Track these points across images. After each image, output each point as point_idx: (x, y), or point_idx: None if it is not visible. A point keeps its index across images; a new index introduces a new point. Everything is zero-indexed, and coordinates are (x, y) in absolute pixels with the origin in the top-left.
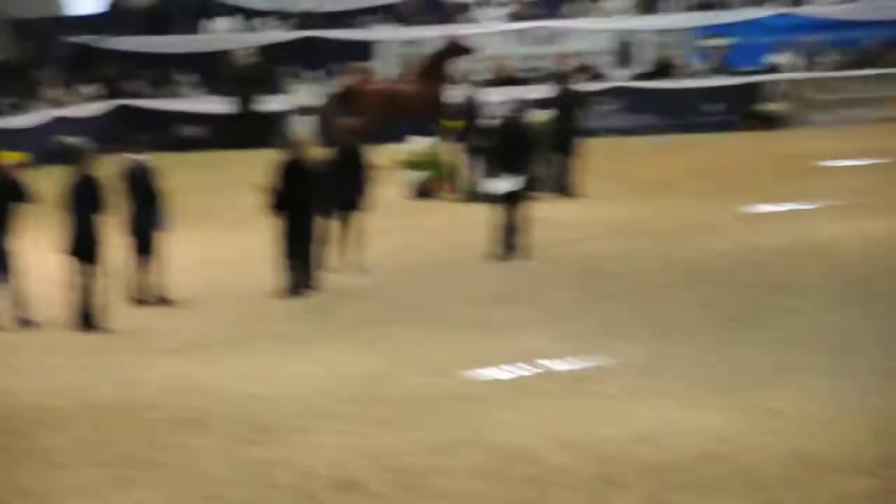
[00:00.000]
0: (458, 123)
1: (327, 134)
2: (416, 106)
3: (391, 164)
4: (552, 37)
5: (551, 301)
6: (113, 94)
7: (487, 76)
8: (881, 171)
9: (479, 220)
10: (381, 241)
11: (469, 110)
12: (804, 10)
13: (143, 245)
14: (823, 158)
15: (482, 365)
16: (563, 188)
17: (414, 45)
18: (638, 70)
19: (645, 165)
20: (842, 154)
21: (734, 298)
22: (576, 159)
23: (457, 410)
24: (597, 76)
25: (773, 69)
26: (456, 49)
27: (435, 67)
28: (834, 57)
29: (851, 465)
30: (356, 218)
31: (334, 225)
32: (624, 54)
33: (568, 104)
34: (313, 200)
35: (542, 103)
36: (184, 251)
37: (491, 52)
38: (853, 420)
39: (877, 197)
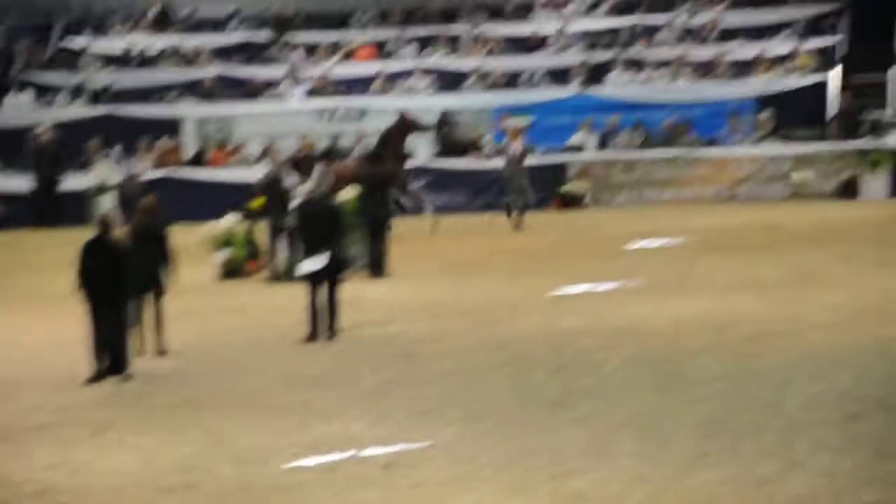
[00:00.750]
0: (261, 202)
1: (128, 211)
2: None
3: (202, 242)
4: (360, 114)
5: (366, 384)
6: None
7: (292, 155)
8: (680, 250)
9: (291, 301)
10: (192, 323)
11: (273, 189)
12: (601, 92)
13: None
14: (626, 239)
15: (299, 451)
16: (374, 267)
17: (220, 122)
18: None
19: (454, 244)
20: (643, 234)
21: (547, 381)
22: (385, 238)
23: (275, 501)
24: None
25: (574, 149)
26: (408, 126)
27: (388, 145)
28: (632, 138)
29: None
30: (158, 298)
31: (139, 306)
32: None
33: (374, 183)
34: (121, 281)
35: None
36: None
37: (296, 130)
38: None
39: (678, 277)
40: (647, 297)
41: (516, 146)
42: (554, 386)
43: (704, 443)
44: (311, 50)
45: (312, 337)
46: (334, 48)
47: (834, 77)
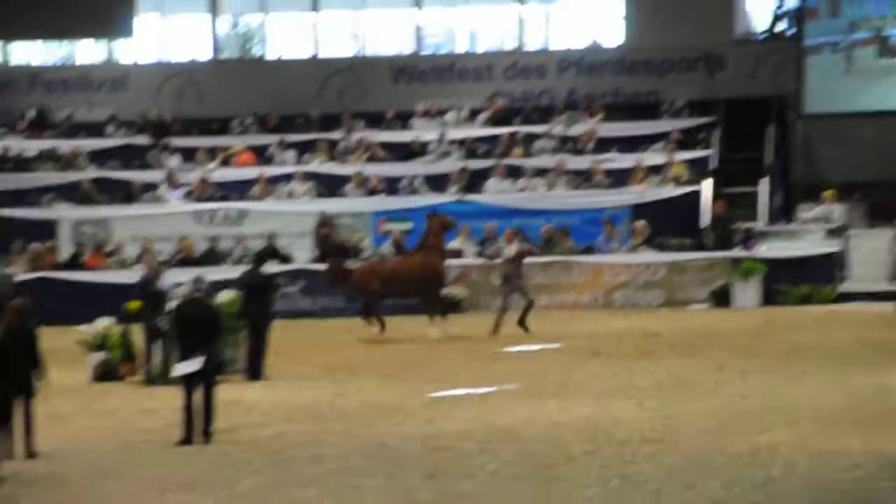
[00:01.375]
0: (137, 304)
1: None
2: (415, 281)
3: (76, 344)
4: (239, 218)
5: (241, 487)
6: None
7: (170, 257)
8: (558, 355)
9: (165, 404)
10: (63, 426)
11: (149, 291)
12: (481, 198)
13: None
14: (504, 343)
15: None
16: (251, 370)
17: (97, 224)
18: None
19: (332, 348)
20: (521, 339)
21: (424, 485)
22: (264, 341)
23: None
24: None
25: (453, 254)
26: (441, 223)
27: (428, 244)
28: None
29: None
30: (28, 401)
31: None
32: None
33: (256, 285)
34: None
35: (230, 284)
36: None
37: (174, 233)
38: None
39: (556, 382)
40: (526, 402)
41: (511, 248)
42: (431, 490)
43: None
44: (189, 154)
45: (187, 440)
46: (213, 152)
47: (707, 187)
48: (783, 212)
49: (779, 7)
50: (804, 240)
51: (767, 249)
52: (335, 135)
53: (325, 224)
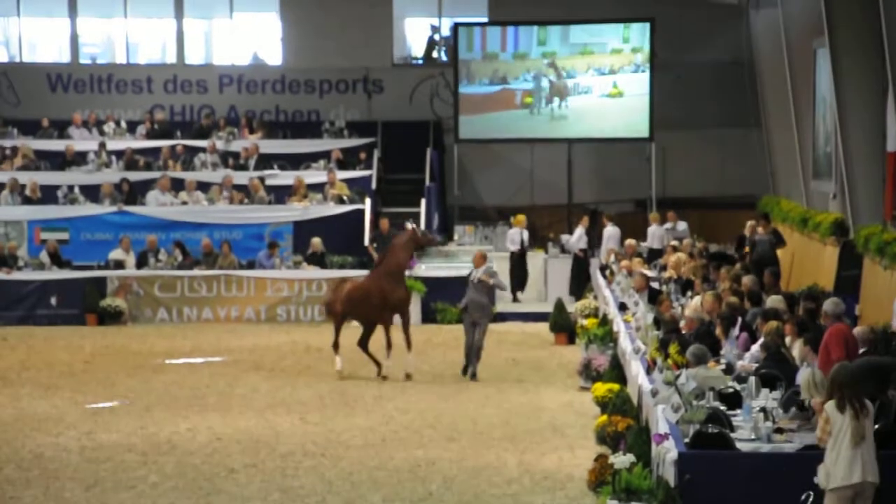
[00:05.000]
0: None
1: None
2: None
3: None
4: None
5: None
6: None
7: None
8: (220, 369)
9: None
10: None
11: None
12: (143, 210)
13: None
14: (165, 356)
15: None
16: None
17: None
18: None
19: None
20: (183, 352)
21: (81, 498)
22: None
23: None
24: None
25: (113, 265)
26: (418, 240)
27: (391, 256)
28: (172, 256)
29: None
30: None
31: None
32: None
33: None
34: None
35: None
36: None
37: None
38: None
39: (218, 395)
40: (188, 414)
41: (477, 273)
42: (90, 501)
43: None
44: None
45: None
46: None
47: (369, 206)
48: (441, 232)
49: (433, 34)
50: (461, 260)
51: (426, 269)
52: None
53: None
